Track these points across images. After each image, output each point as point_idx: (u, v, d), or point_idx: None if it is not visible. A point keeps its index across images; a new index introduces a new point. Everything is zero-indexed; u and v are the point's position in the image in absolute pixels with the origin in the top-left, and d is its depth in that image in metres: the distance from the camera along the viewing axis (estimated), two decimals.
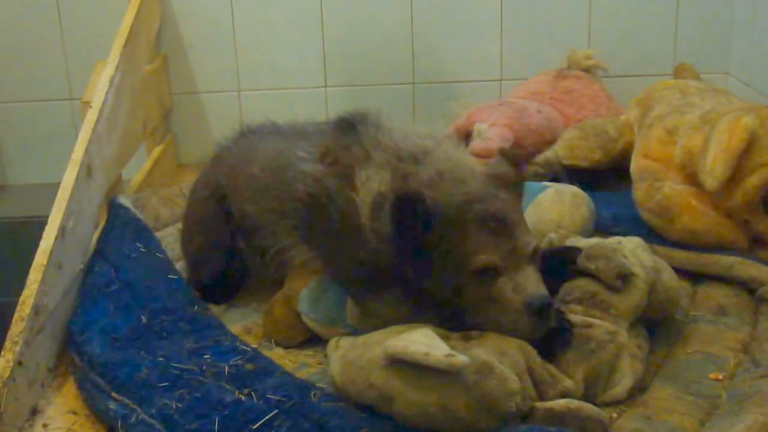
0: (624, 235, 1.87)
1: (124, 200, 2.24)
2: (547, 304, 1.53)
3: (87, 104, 2.20)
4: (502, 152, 1.74)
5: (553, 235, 1.92)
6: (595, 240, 1.85)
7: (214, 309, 1.97)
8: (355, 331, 1.73)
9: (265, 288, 1.99)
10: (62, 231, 1.86)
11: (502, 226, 1.56)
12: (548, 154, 2.51)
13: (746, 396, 1.53)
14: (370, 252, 1.66)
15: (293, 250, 1.85)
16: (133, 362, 1.67)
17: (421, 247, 1.58)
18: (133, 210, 2.22)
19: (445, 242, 1.57)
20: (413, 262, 1.61)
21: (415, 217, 1.56)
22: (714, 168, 1.94)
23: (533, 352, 1.54)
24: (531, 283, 1.54)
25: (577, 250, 1.74)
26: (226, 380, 1.61)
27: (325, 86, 3.05)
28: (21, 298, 1.70)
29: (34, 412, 1.66)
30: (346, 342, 1.62)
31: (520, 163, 1.73)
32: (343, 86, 3.04)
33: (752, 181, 1.93)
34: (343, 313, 1.79)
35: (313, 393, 1.56)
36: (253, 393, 1.56)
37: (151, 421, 1.52)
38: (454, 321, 1.60)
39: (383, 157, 1.69)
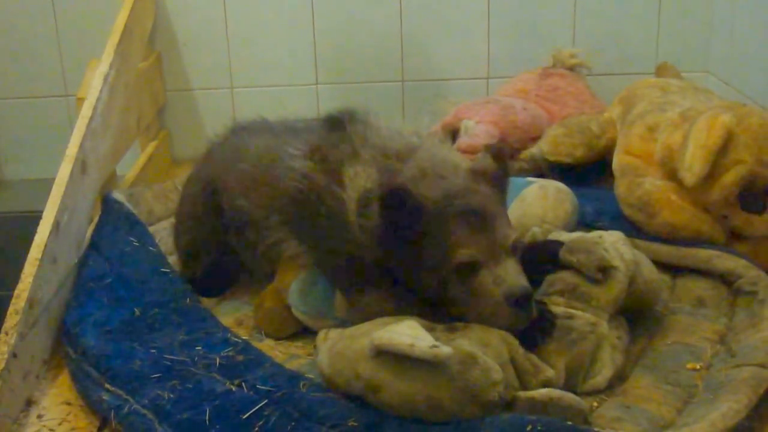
0: (606, 229, 1.86)
1: (118, 195, 2.23)
2: (527, 294, 1.54)
3: (82, 100, 2.19)
4: (488, 148, 1.74)
5: (536, 230, 1.92)
6: (577, 234, 1.86)
7: (206, 302, 1.98)
8: (343, 323, 1.74)
9: (256, 281, 2.00)
10: (57, 226, 1.86)
11: (482, 220, 1.57)
12: (533, 150, 2.51)
13: (721, 385, 1.55)
14: (356, 247, 1.68)
15: (283, 244, 1.86)
16: (126, 354, 1.68)
17: (407, 240, 1.60)
18: (127, 205, 2.21)
19: (428, 237, 1.58)
20: (399, 257, 1.63)
21: (402, 210, 1.57)
22: (692, 164, 1.94)
23: (516, 343, 1.54)
24: (511, 274, 1.55)
25: (559, 244, 1.75)
26: (217, 371, 1.62)
27: (316, 83, 3.05)
28: (16, 292, 1.71)
29: (29, 403, 1.67)
30: (334, 334, 1.64)
31: (506, 159, 1.75)
32: (333, 83, 3.05)
33: (729, 178, 1.94)
34: (331, 306, 1.80)
35: (302, 383, 1.57)
36: (243, 383, 1.57)
37: (144, 411, 1.53)
38: (439, 313, 1.61)
39: (370, 155, 1.71)
